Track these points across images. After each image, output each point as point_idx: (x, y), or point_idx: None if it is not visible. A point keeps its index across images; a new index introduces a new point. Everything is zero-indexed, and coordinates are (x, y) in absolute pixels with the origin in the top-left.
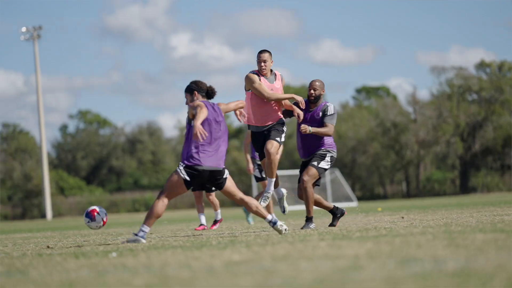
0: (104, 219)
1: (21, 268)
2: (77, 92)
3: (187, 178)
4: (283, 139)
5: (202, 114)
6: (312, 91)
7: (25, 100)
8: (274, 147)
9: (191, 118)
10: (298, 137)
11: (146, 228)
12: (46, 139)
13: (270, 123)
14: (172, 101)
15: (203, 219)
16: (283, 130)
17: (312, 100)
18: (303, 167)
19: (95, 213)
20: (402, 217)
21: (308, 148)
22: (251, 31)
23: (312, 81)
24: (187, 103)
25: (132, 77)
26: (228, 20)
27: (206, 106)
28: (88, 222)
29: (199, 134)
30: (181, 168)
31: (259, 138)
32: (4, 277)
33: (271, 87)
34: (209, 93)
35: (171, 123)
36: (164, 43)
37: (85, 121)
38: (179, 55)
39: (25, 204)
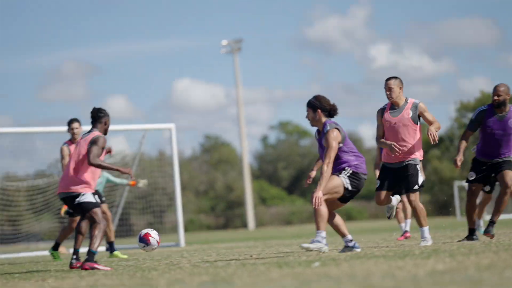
0: (158, 241)
1: (226, 277)
2: (277, 103)
3: (350, 187)
4: (420, 185)
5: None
6: (496, 97)
7: (226, 112)
8: (417, 197)
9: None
10: (484, 139)
11: (323, 233)
12: (247, 150)
13: (402, 160)
14: (372, 111)
15: (404, 228)
16: (419, 176)
17: (496, 105)
18: (482, 168)
19: (149, 237)
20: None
21: (497, 151)
22: (451, 40)
23: (497, 86)
24: (307, 117)
25: (332, 88)
26: (427, 29)
27: (337, 129)
28: (144, 246)
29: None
30: (345, 176)
31: (388, 172)
32: (210, 286)
33: (394, 120)
34: (331, 112)
35: (371, 133)
36: (363, 54)
37: (286, 132)
38: (378, 65)
39: (228, 215)
